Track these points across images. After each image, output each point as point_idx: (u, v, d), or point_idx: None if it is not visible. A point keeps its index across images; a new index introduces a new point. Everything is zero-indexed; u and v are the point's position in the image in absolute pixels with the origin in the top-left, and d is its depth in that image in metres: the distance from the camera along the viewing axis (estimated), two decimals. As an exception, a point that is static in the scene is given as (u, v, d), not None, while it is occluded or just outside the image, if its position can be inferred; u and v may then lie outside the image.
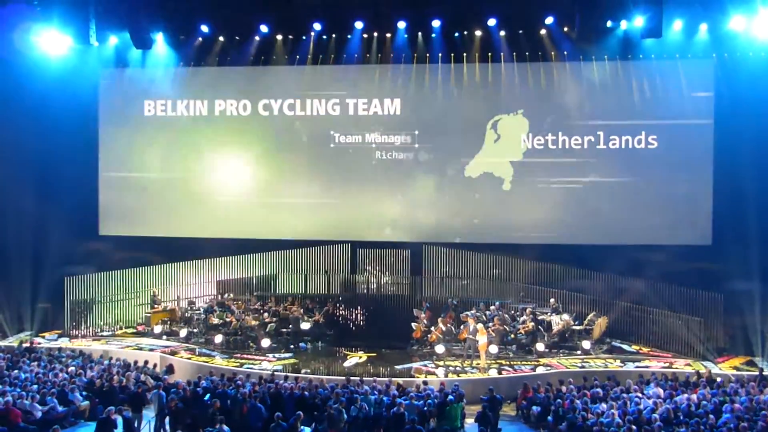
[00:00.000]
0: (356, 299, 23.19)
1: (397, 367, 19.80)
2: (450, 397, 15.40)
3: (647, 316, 21.68)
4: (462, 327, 20.62)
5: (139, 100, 24.73)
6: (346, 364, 20.19)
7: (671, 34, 21.83)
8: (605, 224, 23.08)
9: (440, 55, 23.26)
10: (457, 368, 19.56)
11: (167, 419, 15.12)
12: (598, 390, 16.62)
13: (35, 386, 16.55)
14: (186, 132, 24.72)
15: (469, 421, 16.09)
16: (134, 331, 22.97)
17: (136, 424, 14.87)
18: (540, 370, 19.46)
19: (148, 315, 23.03)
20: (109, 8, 22.65)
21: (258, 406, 14.75)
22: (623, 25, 21.98)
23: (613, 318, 22.02)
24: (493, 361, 19.95)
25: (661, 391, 16.41)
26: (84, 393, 16.87)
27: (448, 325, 21.34)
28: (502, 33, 22.88)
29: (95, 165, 24.77)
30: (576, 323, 21.61)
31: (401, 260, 23.52)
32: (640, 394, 16.22)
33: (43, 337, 22.38)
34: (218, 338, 21.49)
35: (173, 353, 20.61)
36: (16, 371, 17.70)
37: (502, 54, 23.04)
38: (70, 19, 22.30)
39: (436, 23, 22.80)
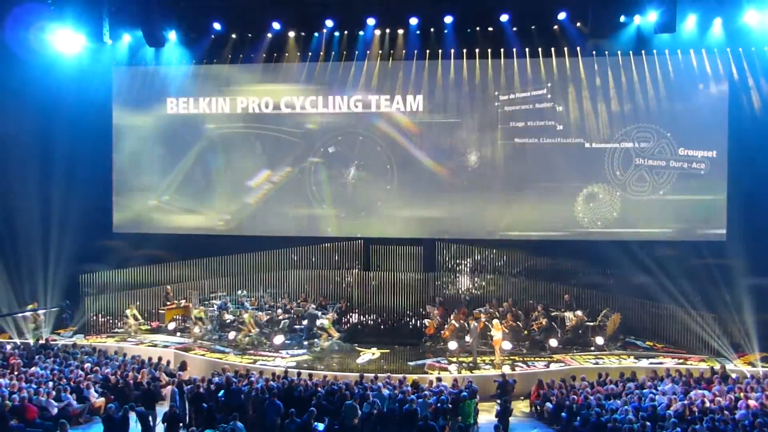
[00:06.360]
0: (369, 296, 23.19)
1: (410, 363, 19.81)
2: (463, 393, 15.40)
3: (661, 312, 21.59)
4: (474, 324, 20.56)
5: (154, 98, 24.84)
6: (359, 360, 20.23)
7: (685, 29, 21.73)
8: (619, 220, 22.97)
9: (452, 51, 23.20)
10: (470, 364, 19.55)
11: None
12: (612, 386, 16.58)
13: (51, 383, 16.67)
14: (201, 127, 24.80)
15: (483, 417, 16.11)
16: (148, 327, 23.04)
17: (150, 421, 14.94)
18: (553, 366, 19.42)
19: (162, 312, 23.15)
20: (122, 7, 22.88)
21: (276, 402, 14.78)
22: (637, 20, 21.91)
23: (627, 314, 21.95)
24: (506, 357, 19.93)
25: (675, 387, 16.34)
26: (99, 389, 16.98)
27: (461, 321, 21.34)
28: (515, 29, 22.81)
29: (109, 162, 24.91)
30: (589, 319, 21.55)
31: (414, 256, 23.46)
32: (654, 391, 16.17)
33: (59, 334, 22.54)
34: (232, 335, 21.57)
35: (187, 350, 20.73)
36: (32, 368, 17.83)
37: (514, 50, 22.98)
38: (84, 17, 22.58)
39: (448, 19, 22.74)
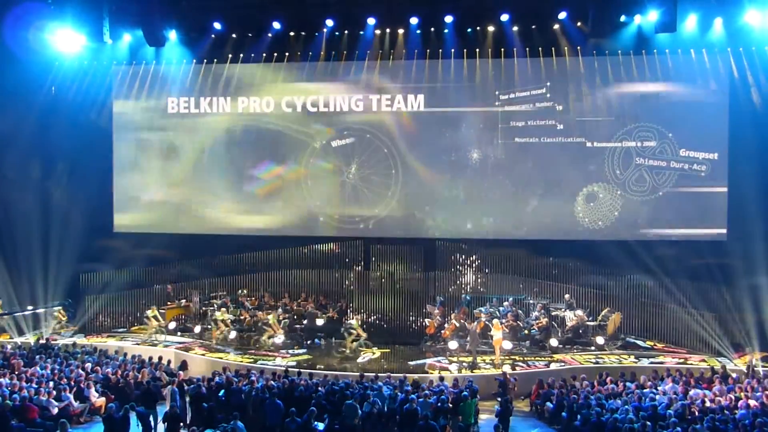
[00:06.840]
0: (370, 295, 23.16)
1: (410, 363, 19.82)
2: (464, 392, 15.39)
3: (661, 312, 21.59)
4: (473, 324, 20.54)
5: (155, 98, 24.78)
6: (360, 360, 20.22)
7: (686, 29, 21.69)
8: (619, 220, 22.96)
9: (453, 50, 23.18)
10: (471, 364, 19.54)
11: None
12: (612, 386, 16.58)
13: (51, 382, 16.66)
14: (201, 126, 24.79)
15: (483, 417, 16.11)
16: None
17: (151, 420, 14.94)
18: (554, 366, 19.42)
19: (163, 311, 23.12)
20: (123, 6, 22.82)
21: (276, 402, 14.77)
22: (637, 19, 21.89)
23: (627, 314, 21.95)
24: (507, 357, 19.92)
25: (676, 387, 16.34)
26: (100, 389, 16.98)
27: (462, 320, 21.34)
28: (515, 28, 22.81)
29: (110, 162, 24.88)
30: (590, 319, 21.55)
31: (414, 256, 23.41)
32: (654, 390, 16.17)
33: (60, 333, 22.53)
34: (232, 334, 21.56)
35: (187, 350, 20.73)
36: (32, 368, 17.81)
37: (515, 49, 22.97)
38: (84, 17, 22.53)
39: (448, 19, 22.73)
